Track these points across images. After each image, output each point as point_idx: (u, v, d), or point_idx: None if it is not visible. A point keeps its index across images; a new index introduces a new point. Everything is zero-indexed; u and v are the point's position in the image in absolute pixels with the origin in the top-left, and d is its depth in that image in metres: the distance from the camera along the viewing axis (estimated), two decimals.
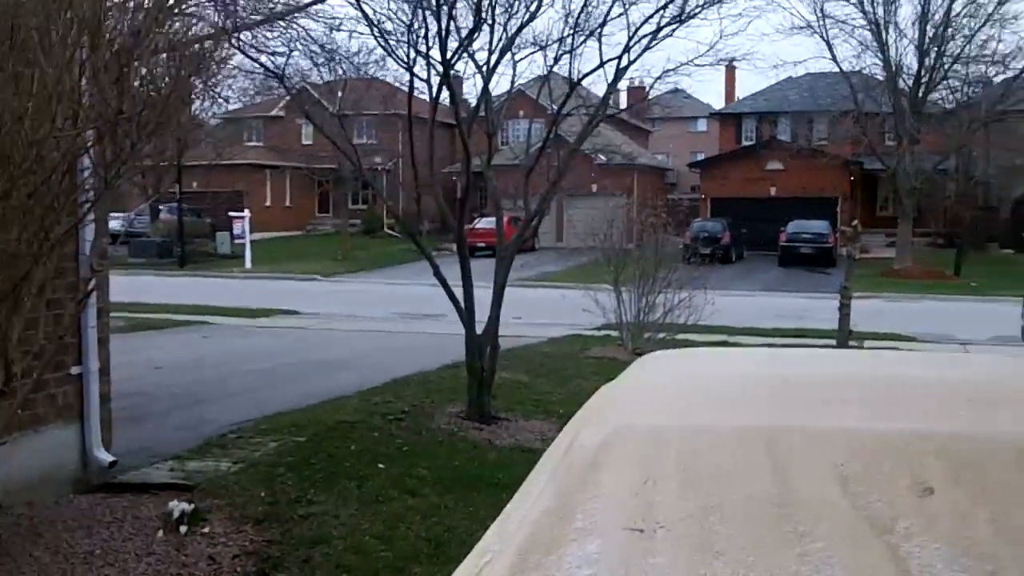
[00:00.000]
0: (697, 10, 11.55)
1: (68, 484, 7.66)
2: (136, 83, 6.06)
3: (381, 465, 8.74)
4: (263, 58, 11.58)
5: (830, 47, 40.90)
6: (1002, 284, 30.02)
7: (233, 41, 10.11)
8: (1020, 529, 2.36)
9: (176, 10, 9.29)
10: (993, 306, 25.80)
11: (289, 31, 12.22)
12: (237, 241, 42.65)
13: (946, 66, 40.32)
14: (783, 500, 2.47)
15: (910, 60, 41.27)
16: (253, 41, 12.17)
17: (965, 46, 39.56)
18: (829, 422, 2.69)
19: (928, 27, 39.53)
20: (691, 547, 2.41)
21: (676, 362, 3.74)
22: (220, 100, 17.77)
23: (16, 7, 5.05)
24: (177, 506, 6.93)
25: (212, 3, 10.62)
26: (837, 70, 41.25)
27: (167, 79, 6.13)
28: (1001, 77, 40.55)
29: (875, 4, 39.25)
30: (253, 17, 12.23)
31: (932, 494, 2.44)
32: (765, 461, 2.56)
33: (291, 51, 11.57)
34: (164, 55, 6.87)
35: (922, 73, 40.25)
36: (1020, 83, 38.24)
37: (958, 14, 39.14)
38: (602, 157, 40.71)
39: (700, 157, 58.93)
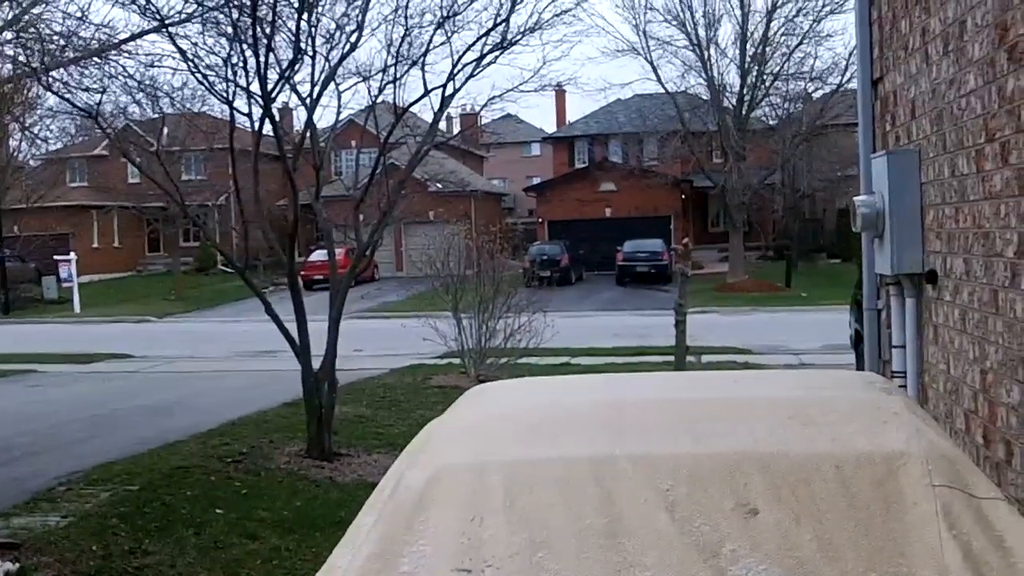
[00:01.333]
0: (518, 37, 11.71)
1: None
2: None
3: (219, 510, 8.49)
4: (79, 96, 11.14)
5: (655, 68, 41.85)
6: (830, 293, 31.11)
7: (42, 80, 9.69)
8: (843, 546, 2.40)
9: None
10: (823, 315, 26.72)
11: (105, 67, 11.79)
12: (64, 285, 40.97)
13: (767, 83, 41.77)
14: (611, 530, 2.45)
15: (732, 79, 42.66)
16: (67, 79, 11.70)
17: (784, 64, 41.09)
18: (654, 447, 2.69)
19: (748, 46, 40.89)
20: None
21: (502, 394, 3.72)
22: (39, 141, 17.08)
23: None
24: (1, 566, 6.58)
25: (17, 42, 10.15)
26: (663, 91, 42.30)
27: None
28: (820, 92, 42.28)
29: (696, 25, 40.47)
30: (66, 55, 11.76)
31: (756, 515, 2.46)
32: (592, 491, 2.55)
33: (104, 89, 11.14)
34: None
35: (744, 91, 41.56)
36: (838, 98, 39.86)
37: (776, 33, 40.67)
38: (437, 184, 40.79)
39: (536, 181, 59.59)
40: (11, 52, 11.43)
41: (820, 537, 2.42)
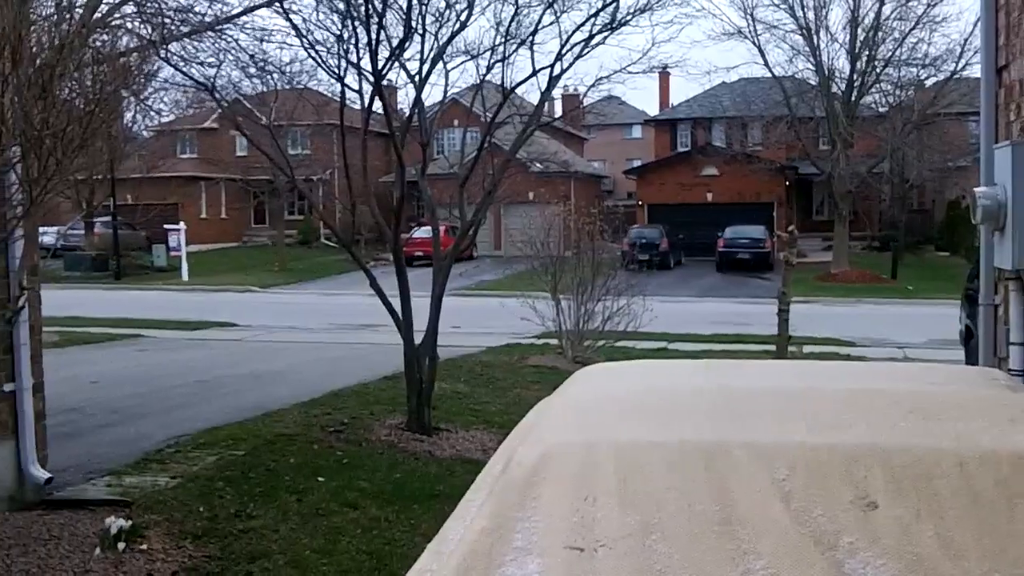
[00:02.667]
0: (628, 18, 11.62)
1: (3, 502, 7.53)
2: (62, 98, 5.94)
3: (321, 478, 8.66)
4: (193, 70, 11.40)
5: (762, 52, 41.29)
6: (937, 287, 30.53)
7: (161, 53, 9.94)
8: (965, 544, 2.35)
9: (102, 23, 9.14)
10: (929, 309, 26.18)
11: (219, 42, 12.04)
12: (173, 254, 42.12)
13: (878, 69, 40.78)
14: (725, 517, 2.44)
15: (842, 64, 41.78)
16: (183, 53, 11.99)
17: (896, 49, 40.09)
18: (770, 436, 2.67)
19: (859, 31, 39.98)
20: (632, 566, 2.38)
21: (612, 375, 3.72)
22: (152, 113, 17.50)
23: None
24: (115, 522, 6.82)
25: (138, 16, 10.43)
26: (770, 75, 41.64)
27: (93, 93, 6.01)
28: (932, 80, 41.25)
29: (805, 9, 39.74)
30: (181, 29, 12.04)
31: (876, 508, 2.43)
32: (706, 477, 2.54)
33: (221, 63, 11.39)
34: (90, 69, 6.74)
35: (854, 77, 40.71)
36: (951, 85, 38.83)
37: (888, 17, 39.71)
38: (538, 165, 40.77)
39: (636, 164, 59.25)
40: (131, 25, 11.76)
41: (941, 535, 2.37)
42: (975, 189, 6.19)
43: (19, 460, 7.67)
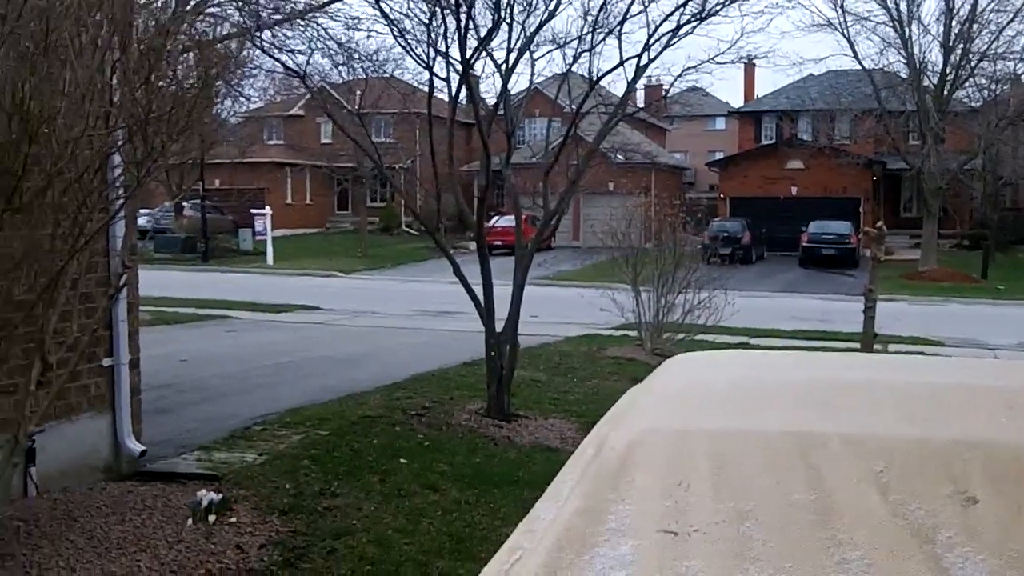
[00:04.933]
0: (718, 7, 11.51)
1: (100, 472, 7.78)
2: (164, 83, 6.13)
3: (403, 460, 8.78)
4: (284, 57, 11.62)
5: (851, 44, 40.46)
6: None
7: (254, 41, 10.17)
8: None
9: (201, 10, 9.37)
10: (1021, 310, 25.59)
11: (308, 30, 12.27)
12: (259, 238, 42.86)
13: (972, 63, 39.58)
14: (821, 506, 2.45)
15: (935, 57, 40.86)
16: (273, 41, 12.24)
17: (992, 42, 38.92)
18: (867, 428, 2.67)
19: (953, 23, 38.92)
20: (726, 552, 2.41)
21: (704, 364, 3.74)
22: (242, 99, 17.88)
23: (49, 9, 5.10)
24: (206, 495, 7.01)
25: (234, 3, 10.68)
26: (859, 68, 40.88)
27: (193, 78, 6.19)
28: None
29: (897, 0, 38.95)
30: (274, 17, 12.30)
31: (975, 504, 2.42)
32: (801, 466, 2.55)
33: (312, 50, 11.60)
34: (190, 54, 6.94)
35: (947, 70, 39.67)
36: None
37: (984, 9, 38.53)
38: (620, 156, 40.63)
39: (718, 156, 58.64)
40: (224, 14, 12.05)
41: None
42: None
43: (116, 432, 7.91)
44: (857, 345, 14.96)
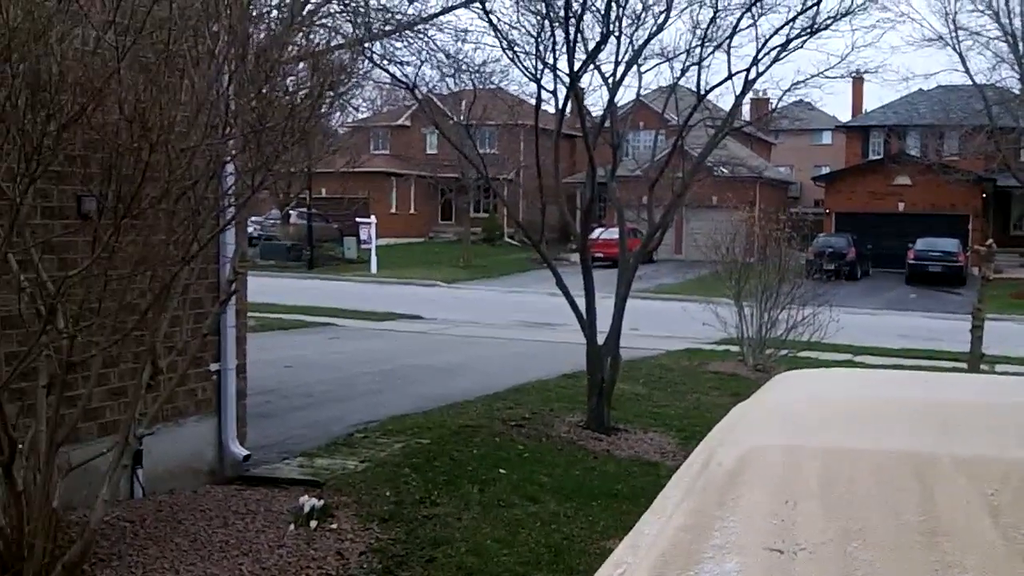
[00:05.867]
0: (828, 22, 11.37)
1: (205, 475, 7.98)
2: (277, 93, 6.28)
3: (502, 470, 8.81)
4: (393, 68, 11.80)
5: (963, 59, 39.76)
6: None
7: (366, 52, 10.35)
8: None
9: (314, 21, 9.57)
10: None
11: (418, 42, 12.44)
12: (363, 246, 43.46)
13: None
14: (930, 528, 2.42)
15: None
16: (383, 52, 12.44)
17: None
18: (979, 450, 2.62)
19: None
20: (832, 571, 2.39)
21: (812, 381, 3.70)
22: (350, 109, 18.19)
23: (169, 21, 5.28)
24: (308, 501, 7.13)
25: (345, 14, 10.89)
26: (970, 83, 40.03)
27: (306, 89, 6.33)
28: None
29: (1011, 15, 37.99)
30: (384, 28, 12.50)
31: None
32: (911, 487, 2.52)
33: (422, 61, 11.76)
34: (302, 65, 7.10)
35: None
36: None
37: None
38: (724, 170, 40.24)
39: (824, 170, 57.68)
40: (334, 25, 12.28)
41: None
42: None
43: (220, 436, 8.11)
44: (964, 365, 14.58)
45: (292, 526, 6.91)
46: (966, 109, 41.84)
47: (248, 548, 6.49)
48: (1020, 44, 38.04)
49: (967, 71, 39.89)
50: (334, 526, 7.02)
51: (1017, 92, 39.55)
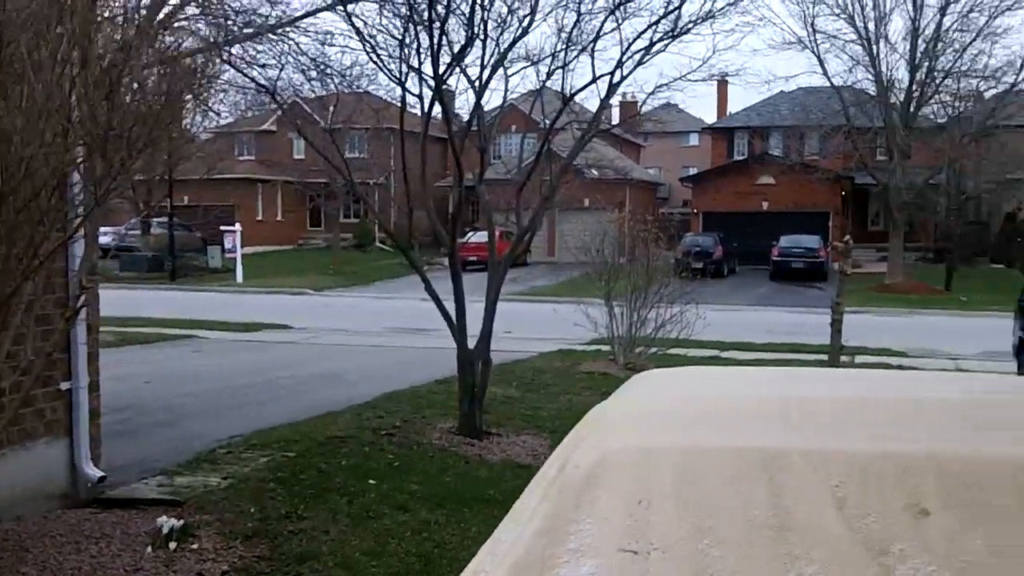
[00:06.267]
0: (690, 26, 11.57)
1: (57, 499, 7.62)
2: (127, 98, 6.04)
3: (372, 481, 8.70)
4: (254, 72, 11.55)
5: (821, 62, 41.08)
6: (992, 299, 30.15)
7: (224, 55, 10.08)
8: (1016, 552, 2.35)
9: (167, 24, 9.29)
10: (983, 321, 25.88)
11: (280, 45, 12.20)
12: (228, 255, 42.60)
13: (937, 80, 40.40)
14: (778, 523, 2.44)
15: (901, 75, 41.60)
16: (244, 55, 12.16)
17: (956, 60, 39.71)
18: (827, 444, 2.67)
19: (919, 42, 39.71)
20: (685, 570, 2.40)
21: (671, 380, 3.72)
22: (212, 114, 17.75)
23: (5, 23, 5.02)
24: (166, 522, 6.89)
25: (203, 17, 10.60)
26: (829, 85, 41.39)
27: (158, 94, 6.11)
28: (992, 92, 40.74)
29: (866, 19, 39.46)
30: (244, 31, 12.22)
31: (928, 516, 2.43)
32: (761, 483, 2.54)
33: (283, 66, 11.53)
34: (155, 70, 6.85)
35: (913, 88, 40.37)
36: (1011, 98, 38.40)
37: (949, 29, 39.34)
38: (594, 172, 40.75)
39: (692, 171, 59.01)
40: (193, 28, 11.95)
41: (992, 544, 2.36)
42: None
43: (73, 458, 7.76)
44: (825, 357, 15.02)
45: (150, 548, 6.67)
46: (825, 110, 43.30)
47: (103, 574, 6.24)
48: (874, 47, 39.53)
49: (825, 73, 41.28)
50: (195, 546, 6.81)
51: (872, 93, 41.05)
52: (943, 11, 38.98)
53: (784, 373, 3.88)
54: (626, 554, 2.46)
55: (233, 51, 11.89)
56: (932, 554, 2.35)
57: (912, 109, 40.48)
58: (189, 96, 8.12)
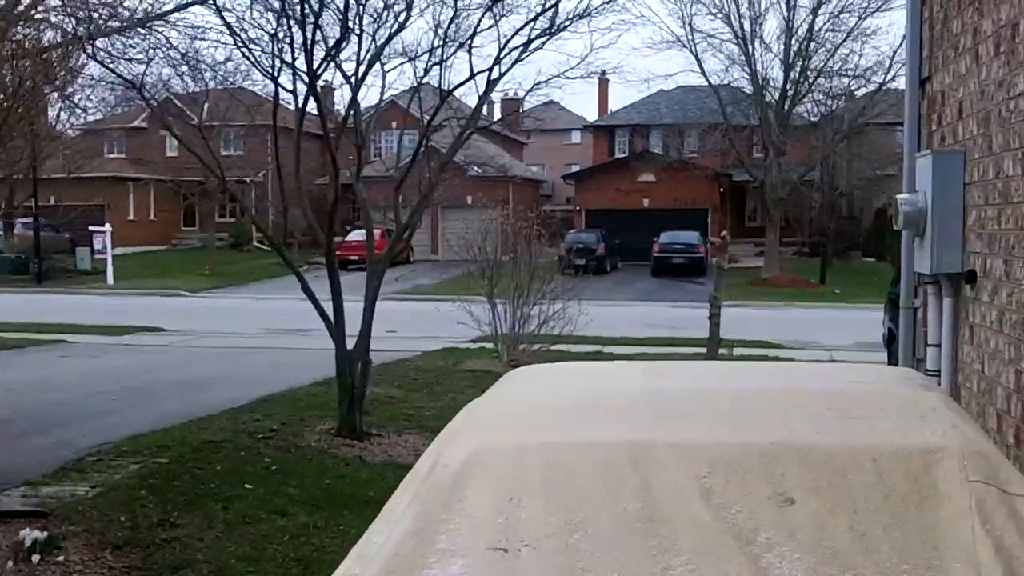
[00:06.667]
0: (567, 23, 11.63)
1: None
2: None
3: (248, 485, 8.52)
4: (121, 67, 11.18)
5: (699, 61, 41.84)
6: (864, 291, 31.06)
7: (88, 49, 9.73)
8: (877, 538, 2.40)
9: (26, 15, 8.92)
10: (856, 313, 26.66)
11: (149, 39, 11.83)
12: (98, 256, 41.24)
13: (810, 79, 41.55)
14: (647, 515, 2.46)
15: (776, 74, 42.43)
16: (111, 49, 11.76)
17: (828, 60, 40.94)
18: (692, 435, 2.69)
19: (793, 41, 40.74)
20: (556, 565, 2.40)
21: (541, 378, 3.72)
22: (78, 111, 17.14)
23: None
24: (29, 534, 6.63)
25: (64, 9, 10.20)
26: (707, 84, 42.20)
27: (11, 88, 5.85)
28: (863, 91, 42.02)
29: (741, 19, 40.32)
30: (110, 24, 11.81)
31: (792, 504, 2.46)
32: (629, 476, 2.55)
33: (150, 60, 11.19)
34: (8, 64, 6.57)
35: (787, 86, 41.42)
36: (880, 96, 39.67)
37: (821, 29, 40.53)
38: (476, 169, 40.78)
39: (574, 169, 59.53)
40: (56, 20, 11.51)
41: (854, 528, 2.44)
42: (897, 196, 6.32)
43: None
44: (704, 350, 15.28)
45: (11, 563, 6.41)
46: (703, 108, 44.17)
47: None
48: (749, 47, 40.44)
49: (703, 72, 42.08)
50: (61, 558, 6.56)
51: (748, 92, 41.98)
52: (815, 12, 40.19)
53: (651, 367, 3.91)
54: (496, 552, 2.45)
55: (99, 45, 11.48)
56: (797, 541, 2.40)
57: (787, 107, 41.52)
58: (50, 91, 7.83)
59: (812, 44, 40.57)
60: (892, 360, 16.29)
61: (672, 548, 2.38)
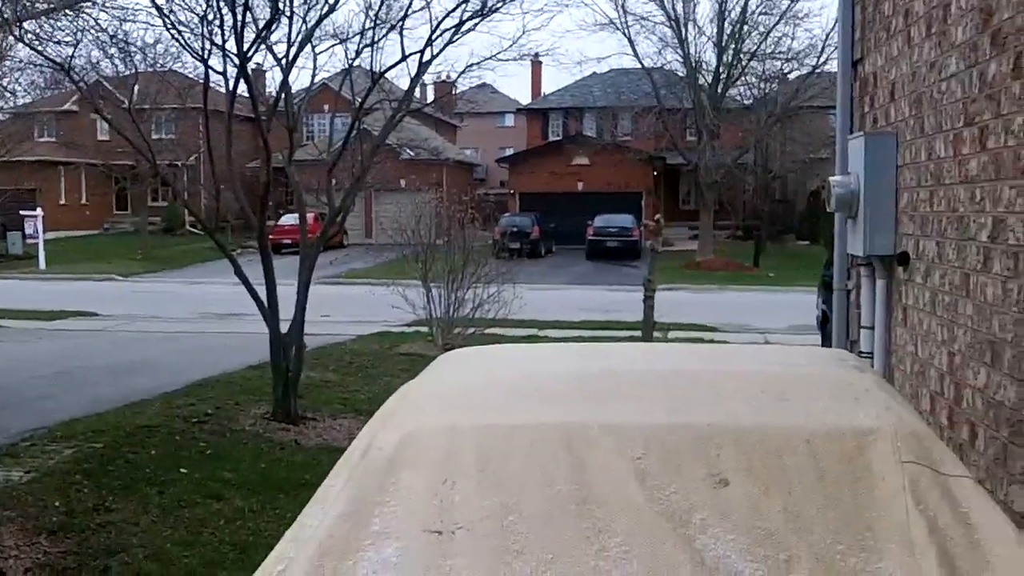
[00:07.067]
0: (499, 4, 11.64)
1: None
2: None
3: (183, 470, 8.48)
4: (49, 49, 10.97)
5: (632, 44, 42.08)
6: (798, 274, 31.40)
7: (15, 32, 9.53)
8: (811, 518, 2.43)
9: None
10: (790, 296, 26.96)
11: (77, 21, 11.60)
12: (30, 241, 40.49)
13: (743, 62, 41.79)
14: (582, 496, 2.47)
15: (709, 57, 42.66)
16: (39, 31, 11.52)
17: (761, 43, 41.18)
18: (627, 417, 2.70)
19: (726, 24, 40.91)
20: (490, 547, 2.40)
21: (474, 360, 3.72)
22: (7, 94, 16.78)
23: None
24: None
25: None
26: (640, 66, 42.30)
27: None
28: (795, 73, 42.41)
29: (674, 1, 40.43)
30: (38, 6, 11.58)
31: (727, 485, 2.49)
32: (563, 458, 2.57)
33: (78, 42, 10.98)
34: None
35: (721, 69, 41.60)
36: (813, 79, 40.04)
37: (754, 12, 40.78)
38: (409, 152, 40.55)
39: (508, 152, 59.46)
40: None
41: (789, 509, 2.45)
42: (830, 178, 6.40)
43: None
44: (639, 333, 15.40)
45: None
46: (637, 91, 44.27)
47: None
48: (683, 29, 40.54)
49: (636, 55, 42.23)
50: None
51: (682, 75, 42.15)
52: None
53: (585, 349, 3.94)
54: (431, 534, 2.45)
55: (26, 27, 11.24)
56: (731, 522, 2.42)
57: (720, 90, 41.71)
58: None
59: (745, 27, 40.82)
60: (826, 342, 16.59)
61: (607, 530, 2.39)
